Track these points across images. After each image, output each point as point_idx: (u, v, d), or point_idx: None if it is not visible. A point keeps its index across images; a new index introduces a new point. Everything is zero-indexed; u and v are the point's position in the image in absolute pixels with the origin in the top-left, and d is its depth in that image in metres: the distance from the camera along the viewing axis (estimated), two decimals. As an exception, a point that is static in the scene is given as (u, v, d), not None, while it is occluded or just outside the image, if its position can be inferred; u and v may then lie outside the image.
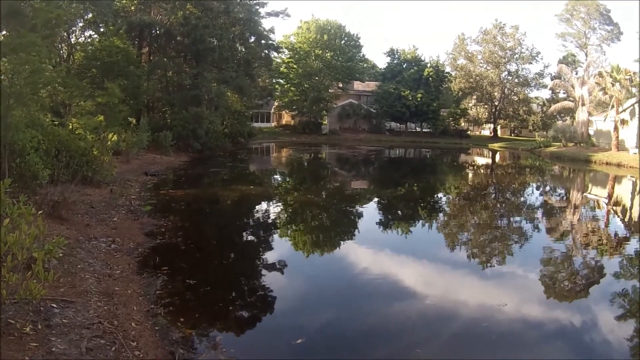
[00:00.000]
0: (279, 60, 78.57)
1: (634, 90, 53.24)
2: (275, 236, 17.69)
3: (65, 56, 34.84)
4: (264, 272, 13.23)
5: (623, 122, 52.49)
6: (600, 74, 56.67)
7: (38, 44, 15.68)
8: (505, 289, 12.43)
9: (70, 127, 23.05)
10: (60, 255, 9.17)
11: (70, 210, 14.17)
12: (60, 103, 26.70)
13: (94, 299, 8.71)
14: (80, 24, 36.56)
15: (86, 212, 15.59)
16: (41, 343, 6.60)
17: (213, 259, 14.08)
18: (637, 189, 35.56)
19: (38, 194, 13.74)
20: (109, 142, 23.65)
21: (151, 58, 44.51)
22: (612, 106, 53.68)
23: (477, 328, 9.77)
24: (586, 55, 75.49)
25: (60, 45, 33.37)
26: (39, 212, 8.88)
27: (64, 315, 7.62)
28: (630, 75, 52.24)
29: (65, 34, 33.30)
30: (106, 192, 19.45)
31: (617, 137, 52.71)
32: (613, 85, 52.87)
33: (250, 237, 18.04)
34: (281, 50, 75.38)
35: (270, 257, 14.65)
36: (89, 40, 37.53)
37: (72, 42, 35.87)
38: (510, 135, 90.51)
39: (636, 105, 52.49)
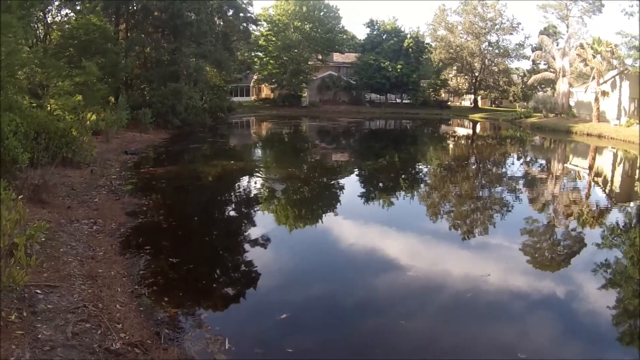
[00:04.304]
0: (257, 33, 77.66)
1: (615, 62, 53.38)
2: (258, 211, 17.79)
3: (41, 36, 34.39)
4: (247, 248, 13.34)
5: (604, 93, 52.63)
6: (581, 46, 56.62)
7: (14, 25, 15.45)
8: (488, 260, 12.66)
9: (49, 108, 22.79)
10: (43, 239, 9.20)
11: (51, 193, 14.10)
12: (37, 84, 26.34)
13: (77, 282, 8.74)
14: (57, 3, 36.19)
15: (67, 194, 15.52)
16: (27, 330, 6.64)
17: (196, 237, 14.15)
18: (619, 160, 36.01)
19: (18, 178, 13.65)
20: (88, 122, 23.42)
21: (128, 35, 43.71)
22: (593, 78, 53.81)
23: (461, 299, 10.00)
24: (567, 27, 75.27)
25: (36, 25, 32.85)
26: (20, 197, 8.86)
27: (48, 300, 7.66)
28: (611, 47, 52.29)
29: (41, 13, 32.77)
30: (87, 173, 19.33)
31: (598, 108, 52.93)
32: (594, 57, 52.92)
33: (232, 213, 18.13)
34: (260, 23, 74.51)
35: (253, 232, 14.76)
36: (65, 19, 36.99)
37: (49, 22, 35.42)
38: (491, 106, 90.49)
39: (617, 77, 52.72)
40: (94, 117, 25.20)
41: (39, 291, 7.86)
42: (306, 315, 9.30)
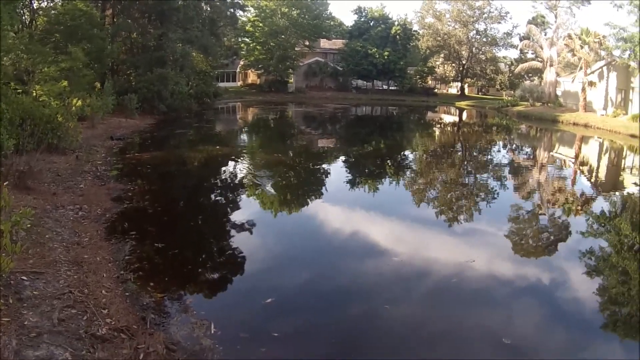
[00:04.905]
0: (244, 19, 77.05)
1: (602, 53, 53.68)
2: (244, 196, 17.83)
3: (27, 22, 34.04)
4: (233, 232, 13.41)
5: (591, 84, 53.00)
6: (569, 36, 56.94)
7: (-1, 11, 15.31)
8: (473, 246, 12.81)
9: (34, 94, 22.60)
10: (28, 225, 9.16)
11: (36, 180, 14.05)
12: (23, 70, 26.08)
13: (63, 268, 8.75)
14: (43, -12, 35.75)
15: (53, 180, 15.44)
16: (13, 317, 6.65)
17: (181, 222, 14.19)
18: (605, 150, 36.31)
19: (3, 164, 13.57)
20: (74, 108, 23.24)
21: (115, 20, 43.29)
22: (581, 68, 54.26)
23: (446, 284, 10.15)
24: (556, 17, 75.37)
25: (22, 11, 32.50)
26: (5, 183, 8.85)
27: (34, 287, 7.67)
28: (599, 38, 52.56)
29: (27, -1, 32.55)
30: (72, 159, 19.22)
31: (585, 98, 53.28)
32: (582, 47, 53.31)
33: (218, 198, 18.16)
34: (247, 8, 73.97)
35: (239, 218, 14.78)
36: (51, 4, 36.68)
37: (34, 8, 35.07)
38: (478, 94, 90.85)
39: (604, 68, 53.09)
40: (79, 102, 25.03)
41: (24, 278, 7.86)
42: (292, 299, 9.38)
